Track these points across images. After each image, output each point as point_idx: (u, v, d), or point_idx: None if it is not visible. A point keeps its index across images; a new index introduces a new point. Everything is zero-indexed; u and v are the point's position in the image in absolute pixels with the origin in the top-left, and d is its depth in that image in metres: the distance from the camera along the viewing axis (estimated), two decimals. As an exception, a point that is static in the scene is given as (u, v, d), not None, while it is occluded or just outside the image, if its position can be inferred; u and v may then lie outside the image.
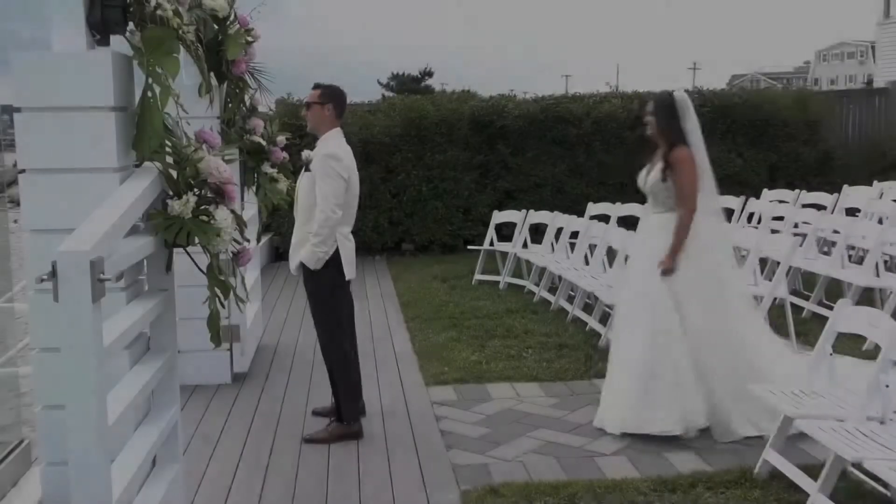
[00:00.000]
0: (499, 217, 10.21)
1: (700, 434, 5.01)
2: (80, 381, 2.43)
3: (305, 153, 5.09)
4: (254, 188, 6.10)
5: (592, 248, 8.46)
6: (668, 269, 5.09)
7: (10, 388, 5.19)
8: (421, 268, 11.21)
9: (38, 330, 3.11)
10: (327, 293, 5.11)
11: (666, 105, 5.21)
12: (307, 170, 5.06)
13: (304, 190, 5.08)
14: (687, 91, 5.93)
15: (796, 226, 9.33)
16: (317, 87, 5.23)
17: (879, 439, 3.82)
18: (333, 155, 4.98)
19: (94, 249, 2.42)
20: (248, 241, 3.52)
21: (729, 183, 12.83)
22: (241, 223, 3.28)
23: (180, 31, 3.04)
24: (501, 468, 4.71)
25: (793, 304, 7.41)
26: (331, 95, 5.17)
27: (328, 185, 4.93)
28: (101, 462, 2.49)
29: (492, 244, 10.13)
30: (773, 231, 8.83)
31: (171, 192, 3.07)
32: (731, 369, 5.00)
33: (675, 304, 5.08)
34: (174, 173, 3.06)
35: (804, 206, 9.89)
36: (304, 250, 5.01)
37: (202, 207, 3.03)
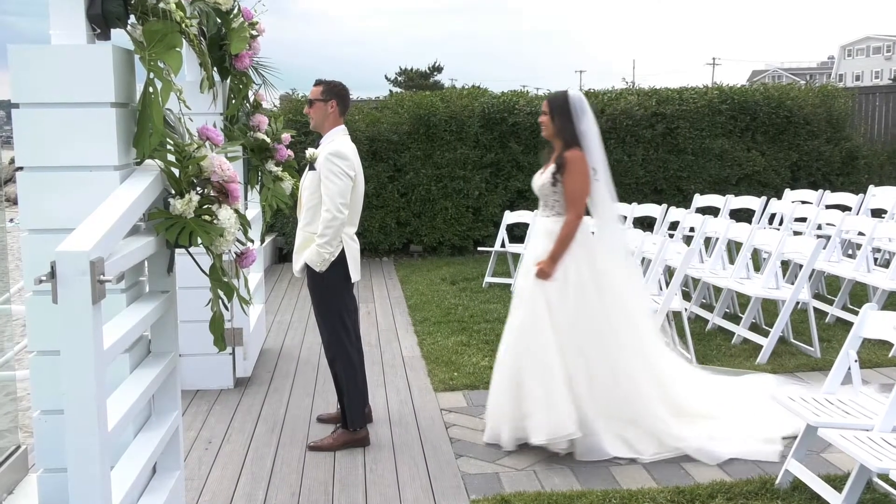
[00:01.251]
0: (510, 217, 10.19)
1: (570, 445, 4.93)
2: (79, 385, 2.43)
3: (310, 151, 5.09)
4: (257, 187, 6.11)
5: (607, 249, 8.44)
6: (543, 273, 5.02)
7: (6, 392, 5.20)
8: (429, 270, 11.21)
9: (36, 332, 3.12)
10: (332, 296, 5.12)
11: (560, 105, 5.14)
12: (311, 168, 5.07)
13: (309, 189, 5.09)
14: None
15: (819, 227, 9.30)
16: (319, 83, 5.24)
17: (906, 449, 3.80)
18: (339, 153, 4.98)
19: (93, 250, 2.43)
20: (252, 241, 3.52)
21: (749, 183, 12.87)
22: (244, 223, 3.29)
23: (183, 25, 3.05)
24: (512, 477, 4.71)
25: (816, 309, 7.38)
26: (333, 92, 5.18)
27: (334, 185, 4.94)
28: (101, 469, 2.50)
29: (503, 245, 10.12)
30: (796, 233, 8.82)
31: (172, 191, 3.09)
32: (611, 387, 4.96)
33: (551, 312, 4.99)
34: (176, 171, 3.07)
35: (828, 206, 9.86)
36: (309, 251, 5.02)
37: (205, 207, 3.04)
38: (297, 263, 5.14)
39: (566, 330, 4.95)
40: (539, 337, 4.96)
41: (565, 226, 5.04)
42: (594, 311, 5.02)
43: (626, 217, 9.64)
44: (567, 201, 5.06)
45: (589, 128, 5.11)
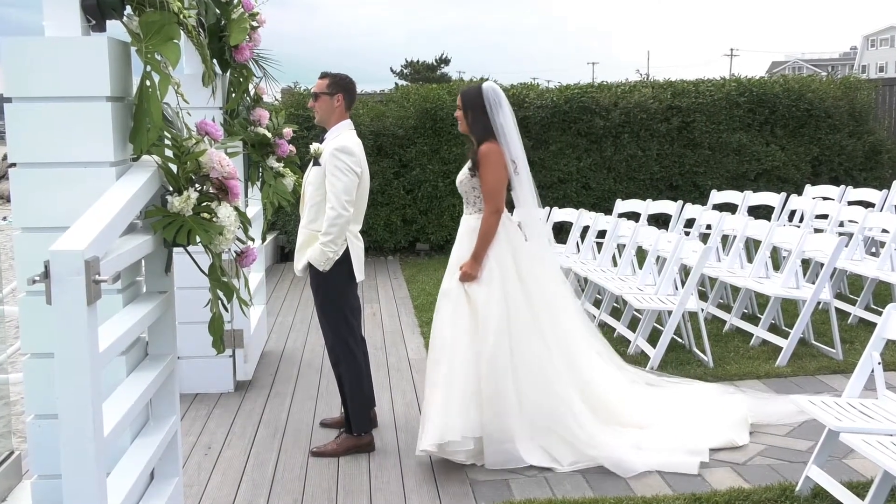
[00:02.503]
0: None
1: (475, 450, 4.87)
2: (74, 388, 2.44)
3: (314, 146, 5.09)
4: (258, 184, 6.12)
5: (621, 248, 8.43)
6: (466, 276, 5.00)
7: (-1, 396, 5.23)
8: (436, 269, 11.20)
9: (29, 334, 3.13)
10: (336, 296, 5.12)
11: (473, 98, 5.09)
12: (316, 164, 5.07)
13: (312, 185, 5.09)
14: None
15: (841, 224, 9.27)
16: (324, 75, 5.23)
17: (932, 455, 3.78)
18: (345, 149, 4.98)
19: (89, 249, 2.44)
20: (253, 240, 3.53)
21: (768, 178, 12.84)
22: (244, 221, 3.30)
23: (181, 16, 3.05)
24: (522, 484, 4.70)
25: (837, 310, 7.36)
26: (340, 85, 5.18)
27: (339, 181, 4.94)
28: (97, 475, 2.50)
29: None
30: (817, 230, 8.78)
31: (170, 188, 3.09)
32: (534, 392, 4.92)
33: (474, 314, 4.97)
34: (174, 168, 3.08)
35: (850, 203, 9.82)
36: (313, 250, 5.02)
37: (204, 204, 3.04)
38: (300, 262, 5.13)
39: (491, 332, 4.92)
40: (455, 343, 4.93)
41: (483, 222, 5.01)
42: (520, 310, 5.00)
43: (639, 214, 9.62)
44: (484, 196, 5.03)
45: (506, 121, 5.09)
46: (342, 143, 5.01)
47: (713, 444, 5.06)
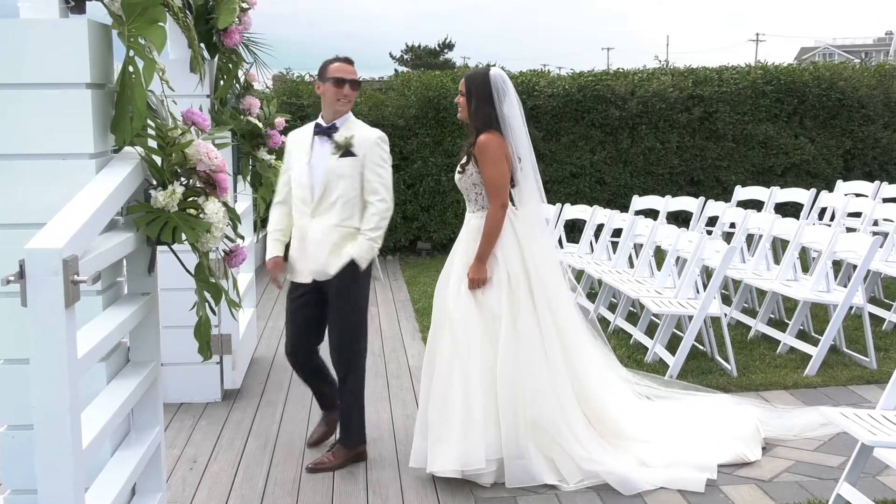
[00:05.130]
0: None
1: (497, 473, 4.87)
2: (51, 397, 2.44)
3: (343, 135, 5.06)
4: (248, 178, 6.13)
5: (638, 248, 8.44)
6: (473, 283, 4.98)
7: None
8: (439, 270, 11.09)
9: (2, 339, 3.13)
10: (365, 298, 5.20)
11: (479, 84, 5.07)
12: (350, 154, 5.04)
13: (348, 178, 5.01)
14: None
15: (875, 223, 9.26)
16: (351, 61, 5.28)
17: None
18: (384, 138, 5.13)
19: (67, 247, 2.44)
20: (242, 238, 3.53)
21: (797, 173, 12.85)
22: (234, 217, 3.30)
23: (166, -3, 3.05)
24: (530, 501, 4.71)
25: (871, 315, 7.35)
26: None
27: (387, 172, 5.09)
28: (74, 490, 2.51)
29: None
30: (849, 229, 8.78)
31: (154, 182, 3.09)
32: (541, 404, 4.92)
33: (486, 325, 4.97)
34: (158, 160, 3.08)
35: (885, 200, 9.82)
36: (358, 247, 5.00)
37: (190, 199, 3.04)
38: (335, 264, 5.03)
39: (501, 341, 4.92)
40: (469, 358, 4.92)
41: (488, 220, 4.99)
42: (528, 316, 4.99)
43: (658, 211, 9.63)
44: (488, 190, 5.02)
45: (512, 111, 5.06)
46: (380, 133, 5.12)
47: (722, 460, 5.05)
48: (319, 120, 5.15)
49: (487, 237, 4.98)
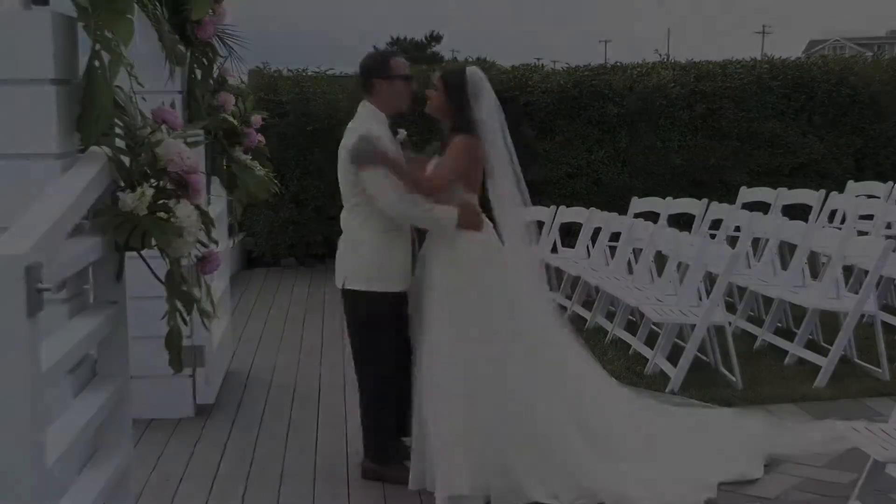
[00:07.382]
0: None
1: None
2: (12, 413, 2.44)
3: (402, 132, 5.22)
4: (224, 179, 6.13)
5: (637, 252, 8.46)
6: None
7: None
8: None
9: (-40, 351, 3.12)
10: (372, 324, 5.27)
11: (455, 84, 5.17)
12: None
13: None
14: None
15: (889, 226, 9.31)
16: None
17: None
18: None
19: (30, 253, 2.44)
20: (216, 243, 3.53)
21: (805, 173, 12.87)
22: (207, 221, 3.30)
23: (135, -13, 3.06)
24: (525, 523, 4.71)
25: (884, 323, 7.38)
26: None
27: None
28: (38, 512, 2.50)
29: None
30: (860, 233, 8.81)
31: (122, 184, 3.09)
32: (527, 420, 4.95)
33: (458, 337, 4.98)
34: (126, 160, 3.08)
35: (898, 201, 9.87)
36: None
37: (160, 202, 3.04)
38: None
39: (475, 357, 4.94)
40: (452, 375, 4.93)
41: (427, 182, 5.17)
42: (504, 333, 5.03)
43: (658, 214, 9.65)
44: (433, 174, 5.16)
45: (490, 114, 5.16)
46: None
47: (723, 478, 5.06)
48: (379, 115, 5.36)
49: (418, 185, 5.15)
